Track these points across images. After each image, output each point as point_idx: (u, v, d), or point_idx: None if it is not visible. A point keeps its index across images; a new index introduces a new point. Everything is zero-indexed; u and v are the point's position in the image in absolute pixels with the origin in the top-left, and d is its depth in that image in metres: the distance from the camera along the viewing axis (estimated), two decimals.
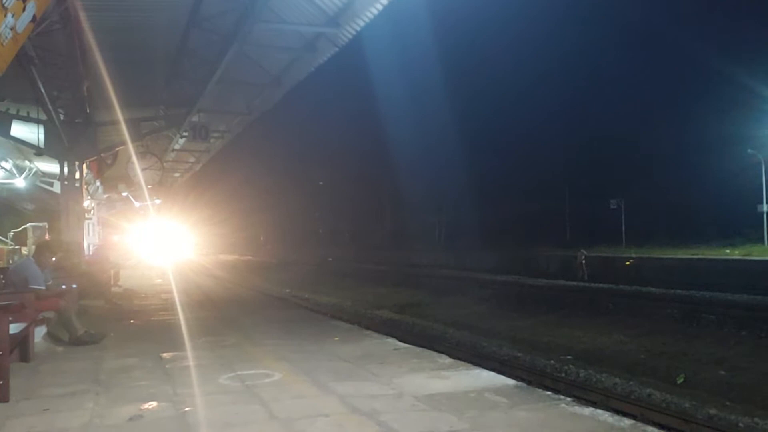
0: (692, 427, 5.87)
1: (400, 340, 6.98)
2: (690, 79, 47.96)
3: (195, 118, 13.79)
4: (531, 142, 49.81)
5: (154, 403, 4.29)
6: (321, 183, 65.30)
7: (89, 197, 19.19)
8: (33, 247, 15.18)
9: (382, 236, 55.11)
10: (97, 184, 19.67)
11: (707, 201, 36.18)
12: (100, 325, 7.84)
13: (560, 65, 58.10)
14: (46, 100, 10.26)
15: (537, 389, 4.80)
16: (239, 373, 5.21)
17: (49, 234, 16.94)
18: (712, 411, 6.89)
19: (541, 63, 57.27)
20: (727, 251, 26.07)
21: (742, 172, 31.24)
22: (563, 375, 8.70)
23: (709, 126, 36.85)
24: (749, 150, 30.40)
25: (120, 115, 11.72)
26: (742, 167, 31.31)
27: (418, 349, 6.36)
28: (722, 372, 8.60)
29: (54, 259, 8.14)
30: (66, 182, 11.99)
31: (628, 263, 21.62)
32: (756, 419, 6.53)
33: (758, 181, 29.66)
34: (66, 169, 12.04)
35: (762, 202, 29.19)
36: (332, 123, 72.44)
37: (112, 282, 13.32)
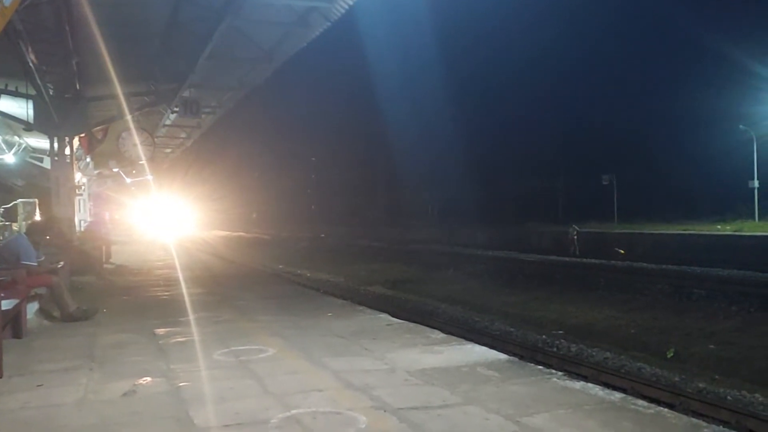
0: (681, 401, 5.96)
1: (393, 316, 7.01)
2: (683, 55, 47.84)
3: (186, 94, 13.61)
4: (524, 120, 49.67)
5: (148, 379, 4.30)
6: (313, 159, 65.02)
7: (80, 173, 19.01)
8: (24, 223, 15.07)
9: (375, 213, 55.11)
10: (88, 159, 19.48)
11: (700, 177, 36.35)
12: (92, 301, 7.83)
13: (554, 43, 57.46)
14: (35, 74, 10.07)
15: (529, 364, 4.85)
16: (233, 348, 5.23)
17: (39, 210, 16.82)
18: (701, 384, 7.00)
19: (535, 41, 56.65)
20: (719, 227, 26.27)
21: (735, 149, 31.33)
22: (555, 350, 8.80)
23: (702, 103, 36.85)
24: (741, 126, 30.47)
25: (113, 90, 11.55)
26: (735, 144, 31.40)
27: (411, 325, 6.40)
28: (712, 346, 8.71)
29: (47, 234, 8.08)
30: (56, 158, 11.86)
31: (621, 252, 21.76)
32: (744, 392, 6.64)
33: (750, 158, 29.79)
34: (56, 145, 11.89)
35: (753, 178, 29.36)
36: (325, 100, 71.92)
37: (104, 258, 13.28)
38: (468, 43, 63.76)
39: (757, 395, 6.55)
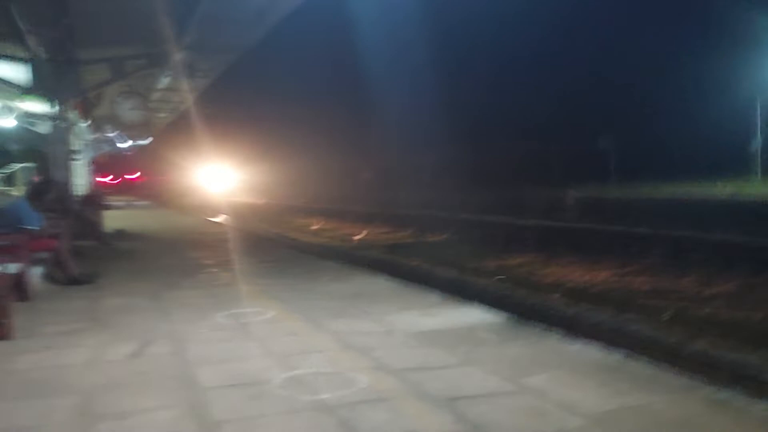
0: (678, 362, 6.05)
1: (390, 279, 7.08)
2: (686, 14, 46.91)
3: (179, 56, 13.41)
4: (519, 80, 49.03)
5: (152, 340, 4.37)
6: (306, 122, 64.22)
7: (76, 138, 18.86)
8: (23, 187, 15.04)
9: (370, 175, 54.82)
10: (84, 124, 19.30)
11: (701, 138, 36.13)
12: (94, 265, 7.90)
13: (551, 2, 56.42)
14: (26, 37, 9.91)
15: (526, 326, 4.92)
16: (234, 311, 5.30)
17: (37, 175, 16.75)
18: (698, 346, 7.10)
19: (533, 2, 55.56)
20: (719, 187, 26.26)
21: (738, 110, 31.08)
22: (552, 312, 8.90)
23: (705, 63, 36.38)
24: (744, 86, 30.16)
25: (106, 53, 11.38)
26: (738, 105, 31.12)
27: (408, 288, 6.46)
28: (709, 309, 8.82)
29: (46, 199, 8.09)
30: (52, 123, 11.76)
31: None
32: (740, 354, 6.75)
33: (753, 120, 29.58)
34: (52, 110, 11.77)
35: (756, 137, 29.22)
36: (314, 62, 70.76)
37: (104, 223, 13.30)
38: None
39: (753, 357, 6.66)
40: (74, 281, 6.78)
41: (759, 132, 29.02)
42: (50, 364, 3.91)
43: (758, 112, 29.26)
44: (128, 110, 13.83)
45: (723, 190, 24.83)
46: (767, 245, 12.90)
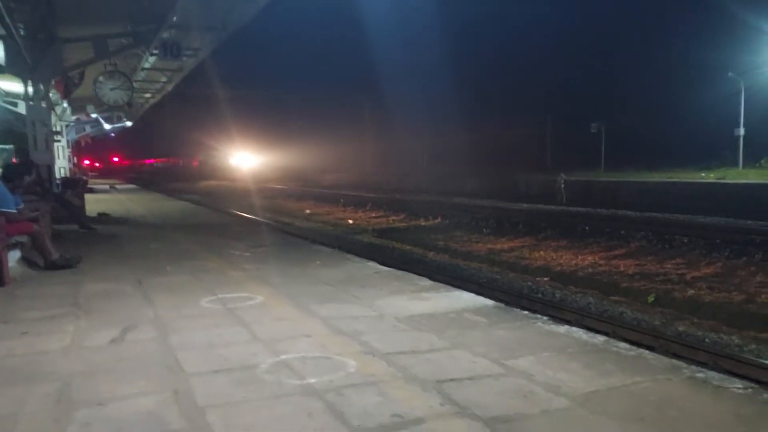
0: (661, 343, 6.10)
1: (381, 264, 7.04)
2: (675, 3, 46.87)
3: (166, 35, 13.13)
4: (512, 67, 48.91)
5: (135, 326, 4.28)
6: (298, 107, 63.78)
7: (57, 118, 18.52)
8: (0, 169, 14.73)
9: (363, 161, 54.66)
10: (65, 105, 18.95)
11: (687, 126, 36.35)
12: (75, 249, 7.74)
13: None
14: (4, 13, 9.61)
15: (515, 309, 4.89)
16: (220, 296, 5.22)
17: (16, 156, 16.44)
18: (681, 328, 7.19)
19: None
20: (703, 174, 26.50)
21: (723, 98, 31.23)
22: (540, 296, 8.94)
23: (692, 52, 36.48)
24: (730, 74, 30.30)
25: (88, 31, 11.09)
26: (723, 93, 31.27)
27: (399, 272, 6.42)
28: (692, 291, 8.90)
29: (25, 181, 7.90)
30: (31, 102, 11.49)
31: None
32: (721, 335, 6.84)
33: (738, 107, 29.76)
34: (31, 89, 11.50)
35: (739, 126, 29.44)
36: (310, 46, 70.12)
37: (86, 206, 13.09)
38: None
39: (734, 338, 6.74)
40: (53, 266, 6.64)
41: (742, 121, 29.22)
42: (27, 350, 3.80)
43: (742, 101, 29.45)
44: (111, 90, 13.53)
45: (707, 177, 25.05)
46: (746, 228, 13.08)
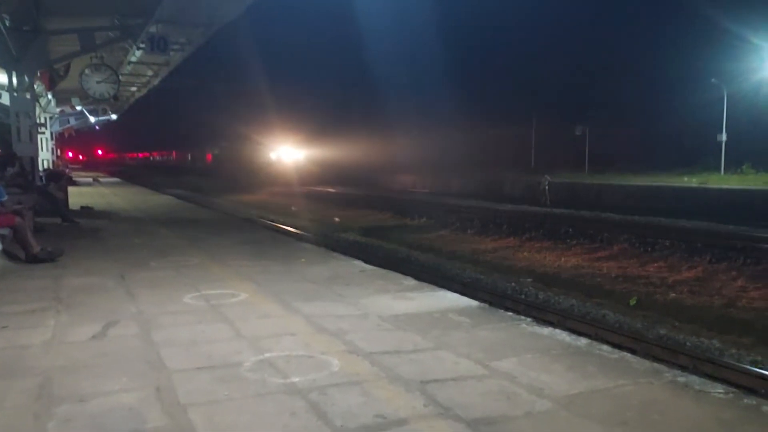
0: (643, 346, 6.18)
1: (367, 262, 7.03)
2: (659, 10, 47.47)
3: (153, 29, 12.99)
4: (497, 70, 49.19)
5: (117, 322, 4.24)
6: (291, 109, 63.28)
7: (42, 110, 18.26)
8: None
9: (349, 160, 54.45)
10: (49, 96, 18.69)
11: (671, 131, 36.82)
12: (57, 243, 7.64)
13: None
14: None
15: (499, 310, 4.92)
16: (204, 292, 5.19)
17: None
18: (663, 331, 7.27)
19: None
20: (686, 179, 26.83)
21: (706, 104, 31.64)
22: (524, 297, 9.00)
23: (677, 58, 36.96)
24: (713, 80, 30.70)
25: (75, 24, 10.95)
26: (706, 99, 31.68)
27: (384, 271, 6.42)
28: (673, 295, 9.01)
29: (8, 173, 7.80)
30: (15, 93, 11.33)
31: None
32: (702, 339, 6.93)
33: (720, 113, 30.16)
34: (15, 80, 11.34)
35: (722, 132, 29.83)
36: (303, 48, 69.89)
37: (70, 199, 12.95)
38: None
39: (714, 341, 6.84)
40: (35, 259, 6.56)
41: (725, 127, 29.62)
42: (7, 344, 3.76)
43: (725, 108, 29.85)
44: (97, 83, 13.36)
45: (690, 182, 25.37)
46: (727, 233, 13.28)
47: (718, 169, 29.50)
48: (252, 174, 40.67)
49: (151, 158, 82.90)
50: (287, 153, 41.47)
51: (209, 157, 57.69)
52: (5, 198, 6.86)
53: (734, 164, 29.70)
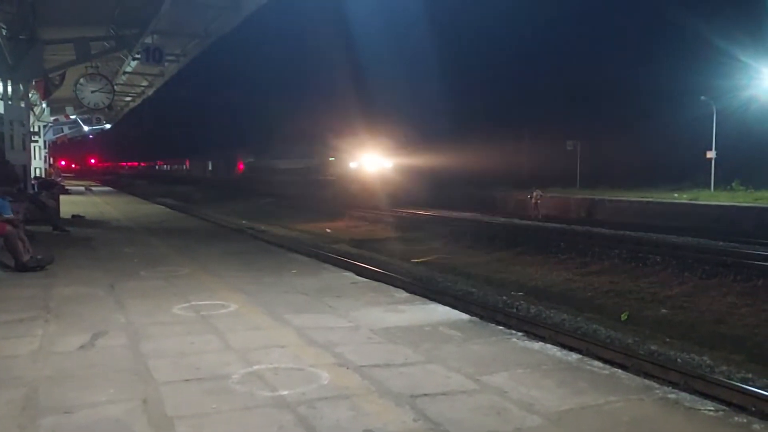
0: (634, 362, 6.18)
1: (358, 274, 7.03)
2: (650, 28, 48.18)
3: (148, 40, 13.04)
4: (489, 84, 49.61)
5: (106, 332, 4.21)
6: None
7: (36, 119, 18.23)
8: None
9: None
10: (44, 105, 18.67)
11: (661, 147, 37.10)
12: (48, 252, 7.59)
13: (522, 9, 57.30)
14: None
15: (490, 324, 4.92)
16: (193, 303, 5.16)
17: None
18: (654, 347, 7.28)
19: (502, 6, 56.31)
20: (676, 195, 26.98)
21: (696, 121, 31.94)
22: (515, 311, 8.99)
23: (667, 75, 37.39)
24: (702, 97, 31.01)
25: (71, 33, 10.97)
26: (696, 116, 31.99)
27: (375, 284, 6.41)
28: (664, 310, 9.04)
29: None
30: (10, 102, 11.32)
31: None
32: (693, 355, 6.94)
33: (710, 130, 30.43)
34: (10, 89, 11.33)
35: (712, 149, 30.09)
36: (298, 55, 70.13)
37: (62, 208, 12.88)
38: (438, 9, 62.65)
39: (705, 357, 6.85)
40: (24, 267, 6.51)
41: (714, 144, 29.90)
42: None
43: (714, 125, 30.14)
44: (92, 93, 13.36)
45: (680, 198, 25.53)
46: (718, 249, 13.36)
47: (708, 185, 29.70)
48: (317, 188, 32.85)
49: (140, 167, 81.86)
50: (372, 162, 31.83)
51: (240, 166, 48.35)
52: (10, 215, 6.83)
53: (724, 181, 29.92)
